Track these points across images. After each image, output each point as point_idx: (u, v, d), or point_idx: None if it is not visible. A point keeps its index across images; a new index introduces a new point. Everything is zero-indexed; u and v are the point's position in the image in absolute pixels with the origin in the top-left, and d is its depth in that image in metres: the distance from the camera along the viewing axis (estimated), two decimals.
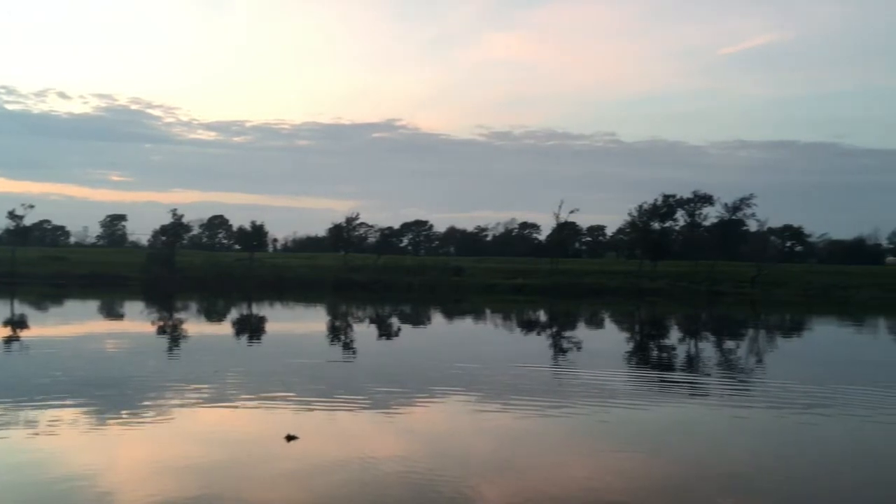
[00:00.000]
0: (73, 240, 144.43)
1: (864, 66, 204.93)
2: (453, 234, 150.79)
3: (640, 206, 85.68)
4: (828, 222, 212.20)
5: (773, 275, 74.01)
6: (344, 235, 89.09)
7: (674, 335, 36.30)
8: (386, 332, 34.19)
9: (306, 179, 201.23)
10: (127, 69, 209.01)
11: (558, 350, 27.49)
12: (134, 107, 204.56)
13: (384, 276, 72.50)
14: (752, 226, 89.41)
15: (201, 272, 73.04)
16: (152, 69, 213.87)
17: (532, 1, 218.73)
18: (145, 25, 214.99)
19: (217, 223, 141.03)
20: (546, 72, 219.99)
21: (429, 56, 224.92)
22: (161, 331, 31.94)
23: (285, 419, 13.64)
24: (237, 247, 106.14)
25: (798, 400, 17.07)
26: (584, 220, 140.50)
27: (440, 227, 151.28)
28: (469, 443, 12.86)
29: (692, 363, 24.54)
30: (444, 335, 33.89)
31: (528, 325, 39.88)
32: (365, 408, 15.08)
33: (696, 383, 20.00)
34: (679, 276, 74.60)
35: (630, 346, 30.15)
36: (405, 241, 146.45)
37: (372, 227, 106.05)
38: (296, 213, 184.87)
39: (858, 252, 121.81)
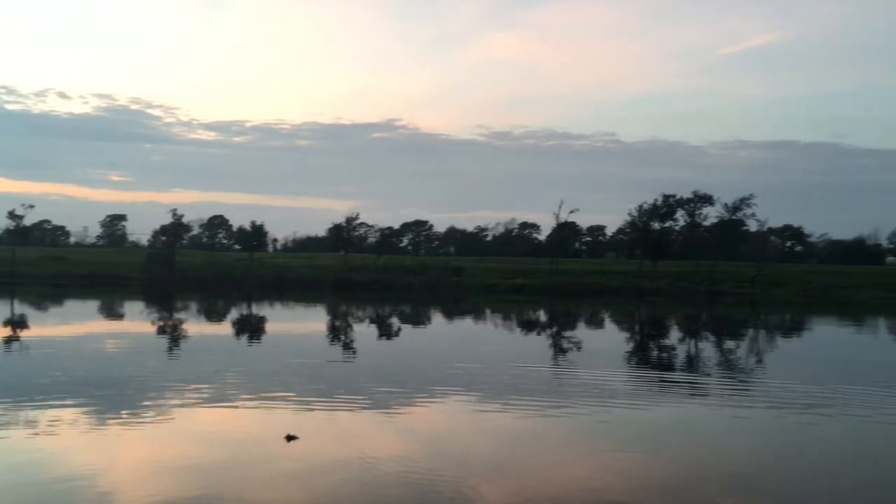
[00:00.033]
0: (73, 240, 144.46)
1: (864, 66, 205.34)
2: (453, 234, 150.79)
3: (640, 206, 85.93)
4: (828, 222, 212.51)
5: (773, 275, 74.02)
6: (344, 235, 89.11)
7: (674, 335, 36.29)
8: (386, 332, 34.18)
9: (306, 179, 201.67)
10: (127, 69, 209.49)
11: (558, 350, 27.49)
12: (134, 107, 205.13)
13: (384, 276, 72.50)
14: (752, 226, 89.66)
15: (201, 272, 73.05)
16: (152, 69, 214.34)
17: (532, 1, 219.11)
18: (145, 25, 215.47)
19: (217, 223, 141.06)
20: (546, 72, 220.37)
21: (429, 56, 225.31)
22: (161, 331, 31.94)
23: (285, 419, 13.64)
24: (237, 247, 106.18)
25: (798, 400, 17.07)
26: (584, 220, 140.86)
27: (440, 227, 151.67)
28: (469, 443, 12.86)
29: (692, 363, 24.54)
30: (444, 335, 33.88)
31: (528, 325, 39.87)
32: (365, 408, 15.08)
33: (696, 383, 20.00)
34: (679, 276, 74.60)
35: (630, 346, 30.14)
36: (405, 241, 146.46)
37: (372, 227, 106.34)
38: (296, 213, 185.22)
39: (858, 252, 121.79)
